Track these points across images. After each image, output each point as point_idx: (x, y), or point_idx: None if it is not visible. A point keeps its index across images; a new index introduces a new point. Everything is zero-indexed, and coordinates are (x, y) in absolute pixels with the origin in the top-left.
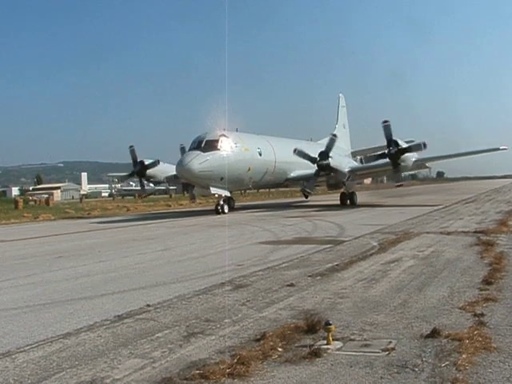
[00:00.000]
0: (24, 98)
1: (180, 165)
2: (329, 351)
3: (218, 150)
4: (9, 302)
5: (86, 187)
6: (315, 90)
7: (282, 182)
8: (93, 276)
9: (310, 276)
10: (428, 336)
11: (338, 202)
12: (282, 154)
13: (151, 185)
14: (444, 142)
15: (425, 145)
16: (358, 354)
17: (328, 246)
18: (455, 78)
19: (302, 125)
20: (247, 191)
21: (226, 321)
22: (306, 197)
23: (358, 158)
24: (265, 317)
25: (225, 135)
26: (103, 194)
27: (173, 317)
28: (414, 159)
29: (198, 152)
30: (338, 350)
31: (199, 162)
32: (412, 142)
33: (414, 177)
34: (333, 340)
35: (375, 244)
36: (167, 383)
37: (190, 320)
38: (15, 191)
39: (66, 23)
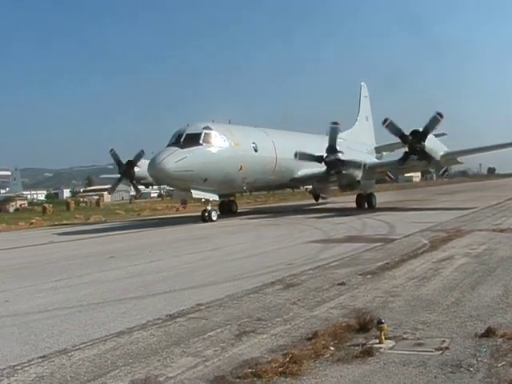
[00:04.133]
0: (74, 103)
1: (152, 164)
2: (381, 350)
3: (201, 145)
4: (63, 301)
5: None
6: (334, 79)
7: (287, 183)
8: (144, 276)
9: (360, 274)
10: (483, 335)
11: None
12: (284, 149)
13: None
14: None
15: (440, 115)
16: (410, 353)
17: (378, 244)
18: None
19: (320, 117)
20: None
21: (278, 320)
22: (317, 199)
23: (384, 153)
24: (316, 316)
25: (209, 127)
26: (152, 195)
27: (224, 316)
28: (441, 152)
29: (175, 148)
30: (391, 348)
31: (175, 159)
32: (445, 135)
33: (464, 174)
34: (385, 339)
35: (426, 242)
36: (220, 382)
37: (241, 319)
38: (67, 193)
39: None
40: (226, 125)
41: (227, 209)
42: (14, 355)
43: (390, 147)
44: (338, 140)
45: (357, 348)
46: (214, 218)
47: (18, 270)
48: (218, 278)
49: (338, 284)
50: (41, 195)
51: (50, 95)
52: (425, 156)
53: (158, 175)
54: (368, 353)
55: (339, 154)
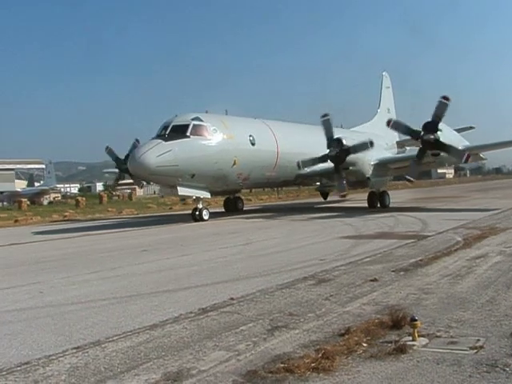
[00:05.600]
0: (106, 97)
1: (131, 159)
2: (414, 347)
3: (188, 137)
4: (97, 293)
5: None
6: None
7: (293, 179)
8: (176, 269)
9: (393, 271)
10: None
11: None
12: (288, 142)
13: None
14: None
15: (446, 98)
16: (444, 351)
17: (411, 240)
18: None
19: (335, 109)
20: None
21: (310, 315)
22: (325, 198)
23: (408, 148)
24: (348, 311)
25: (199, 118)
26: None
27: (256, 310)
28: (460, 147)
29: (159, 141)
30: (424, 346)
31: (157, 153)
32: (472, 128)
33: (498, 171)
34: (418, 336)
35: (459, 239)
36: (252, 376)
37: (273, 314)
38: (99, 186)
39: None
40: (220, 115)
41: (232, 206)
42: (48, 345)
43: (413, 142)
44: (352, 133)
45: (390, 345)
46: (206, 217)
47: (51, 262)
48: (250, 273)
49: (371, 280)
50: (74, 188)
51: (85, 91)
52: (442, 146)
53: (138, 171)
54: (401, 350)
55: (344, 144)
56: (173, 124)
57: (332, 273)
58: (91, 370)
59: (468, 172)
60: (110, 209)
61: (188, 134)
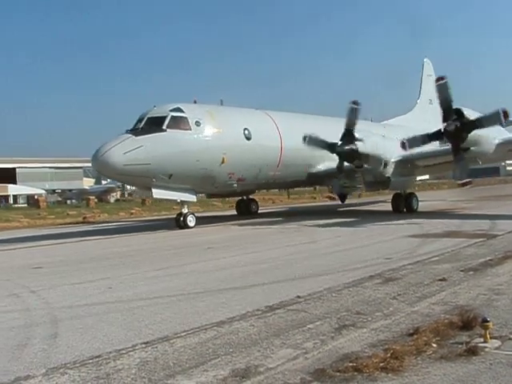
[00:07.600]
0: (159, 92)
1: (94, 156)
2: (486, 349)
3: (164, 131)
4: (165, 289)
5: None
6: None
7: (305, 179)
8: (242, 267)
9: (462, 270)
10: None
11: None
12: (295, 136)
13: None
14: None
15: (506, 113)
16: None
17: (480, 239)
18: None
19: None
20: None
21: (377, 314)
22: (342, 200)
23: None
24: (417, 311)
25: (180, 109)
26: None
27: (323, 308)
28: (497, 140)
29: (129, 135)
30: (497, 348)
31: (125, 150)
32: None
33: None
34: (490, 338)
35: None
36: (320, 374)
37: (340, 312)
38: None
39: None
40: (208, 106)
41: (245, 209)
42: (118, 340)
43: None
44: (373, 127)
45: (460, 346)
46: (191, 224)
47: (120, 259)
48: (316, 271)
49: (439, 280)
50: None
51: (150, 89)
52: (458, 150)
53: (103, 170)
54: (472, 352)
55: (358, 144)
56: (148, 116)
57: (399, 272)
58: (160, 364)
59: None
60: (175, 207)
61: (164, 127)
